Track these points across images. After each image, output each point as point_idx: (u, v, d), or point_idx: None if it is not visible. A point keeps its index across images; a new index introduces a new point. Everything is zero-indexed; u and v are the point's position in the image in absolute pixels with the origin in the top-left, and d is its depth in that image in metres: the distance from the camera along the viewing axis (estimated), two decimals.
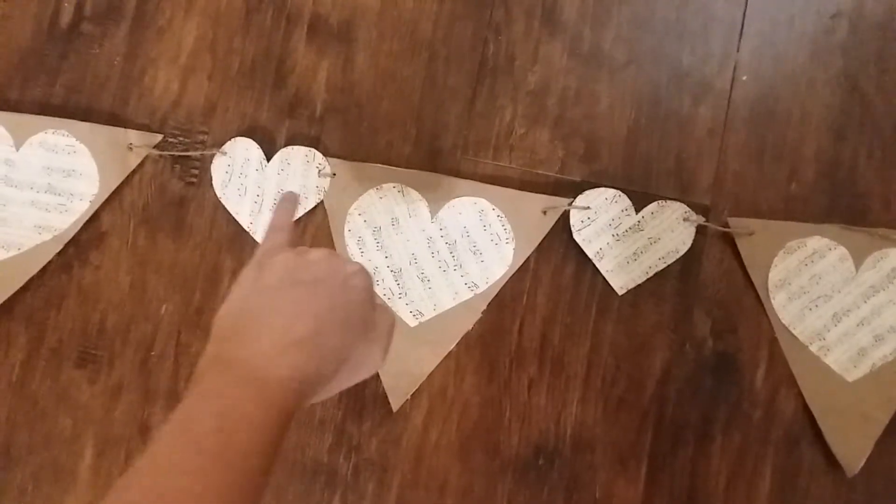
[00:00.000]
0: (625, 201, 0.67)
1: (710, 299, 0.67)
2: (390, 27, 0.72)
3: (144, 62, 0.73)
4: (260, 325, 0.40)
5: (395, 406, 0.67)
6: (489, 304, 0.68)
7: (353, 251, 0.68)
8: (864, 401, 0.64)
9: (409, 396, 0.67)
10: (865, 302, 0.65)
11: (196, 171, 0.71)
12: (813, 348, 0.65)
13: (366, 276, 0.43)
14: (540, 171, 0.70)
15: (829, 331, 0.65)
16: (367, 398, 0.68)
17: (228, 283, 0.70)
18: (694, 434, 0.66)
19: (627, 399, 0.67)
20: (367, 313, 0.43)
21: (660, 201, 0.67)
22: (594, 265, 0.68)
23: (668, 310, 0.67)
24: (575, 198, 0.68)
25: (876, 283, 0.65)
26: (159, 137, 0.71)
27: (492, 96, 0.71)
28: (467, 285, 0.68)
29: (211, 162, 0.70)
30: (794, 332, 0.65)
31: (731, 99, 0.70)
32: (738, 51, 0.70)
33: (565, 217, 0.68)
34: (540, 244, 0.68)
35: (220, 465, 0.36)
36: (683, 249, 0.67)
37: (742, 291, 0.67)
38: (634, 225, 0.67)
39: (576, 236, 0.67)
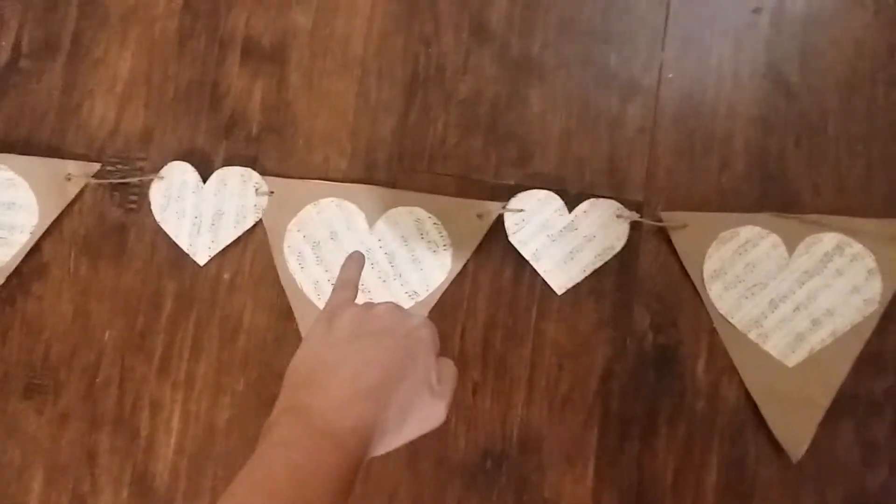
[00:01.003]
0: (557, 201, 0.69)
1: (649, 294, 0.69)
2: (322, 46, 0.74)
3: (81, 94, 0.75)
4: (330, 375, 0.43)
5: None
6: (430, 311, 0.69)
7: (294, 267, 0.70)
8: (805, 386, 0.66)
9: None
10: (801, 287, 0.67)
11: (135, 198, 0.73)
12: (751, 336, 0.67)
13: (430, 329, 0.47)
14: (475, 178, 0.72)
15: (766, 318, 0.67)
16: None
17: (171, 306, 0.72)
18: (639, 428, 0.68)
19: (572, 398, 0.68)
20: (430, 364, 0.46)
21: (592, 199, 0.69)
22: (532, 267, 0.69)
23: (608, 307, 0.69)
24: (509, 201, 0.70)
25: (810, 268, 0.67)
26: (97, 166, 0.73)
27: (424, 107, 0.73)
28: (408, 294, 0.69)
29: (149, 187, 0.72)
30: (731, 320, 0.67)
31: (658, 97, 0.72)
32: (662, 50, 0.73)
33: (501, 221, 0.70)
34: (478, 248, 0.70)
35: None
36: (619, 246, 0.69)
37: (679, 284, 0.69)
38: (568, 224, 0.69)
39: (511, 239, 0.69)
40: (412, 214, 0.71)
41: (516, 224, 0.70)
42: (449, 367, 0.47)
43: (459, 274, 0.71)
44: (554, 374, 0.69)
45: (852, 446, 0.67)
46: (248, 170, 0.72)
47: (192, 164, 0.73)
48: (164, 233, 0.73)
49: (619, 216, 0.70)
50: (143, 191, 0.74)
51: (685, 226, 0.69)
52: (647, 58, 0.74)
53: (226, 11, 0.76)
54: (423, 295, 0.70)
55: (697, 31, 0.74)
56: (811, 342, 0.67)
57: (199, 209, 0.72)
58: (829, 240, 0.68)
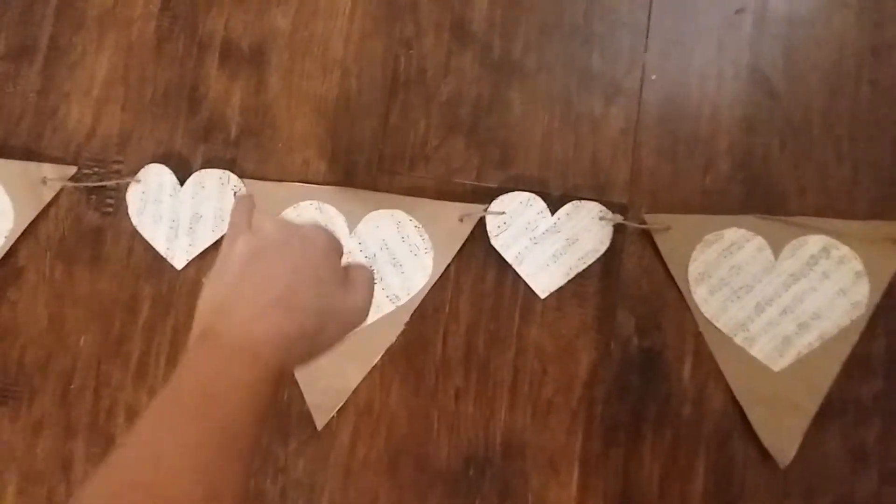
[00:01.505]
0: (539, 204, 0.69)
1: (633, 297, 0.68)
2: (301, 48, 0.74)
3: (58, 97, 0.74)
4: (234, 299, 0.43)
5: (319, 424, 0.67)
6: (412, 315, 0.69)
7: None
8: (792, 390, 0.65)
9: (334, 413, 0.67)
10: (787, 290, 0.66)
11: (112, 201, 0.72)
12: (737, 340, 0.66)
13: (324, 233, 0.47)
14: (457, 180, 0.71)
15: (752, 321, 0.66)
16: (292, 417, 0.68)
17: (147, 311, 0.71)
18: (625, 434, 0.67)
19: (556, 402, 0.67)
20: (334, 265, 0.46)
21: (575, 202, 0.69)
22: (514, 270, 0.68)
23: (592, 310, 0.68)
24: (490, 203, 0.69)
25: (796, 270, 0.67)
26: (74, 169, 0.72)
27: (405, 109, 0.73)
28: (389, 298, 0.69)
29: (126, 191, 0.71)
30: (717, 324, 0.66)
31: (641, 98, 0.72)
32: (645, 51, 0.73)
33: (483, 223, 0.69)
34: (460, 252, 0.70)
35: (205, 428, 0.38)
36: (602, 249, 0.68)
37: (664, 287, 0.69)
38: (551, 227, 0.68)
39: (493, 242, 0.68)
40: (393, 217, 0.70)
41: (498, 227, 0.69)
42: (362, 269, 0.48)
43: (441, 277, 0.70)
44: (537, 379, 0.69)
45: (841, 452, 0.66)
46: (227, 172, 0.72)
47: (170, 168, 0.72)
48: (141, 236, 0.72)
49: (602, 218, 0.69)
50: (119, 194, 0.73)
51: (669, 228, 0.69)
52: (629, 59, 0.73)
53: (204, 13, 0.75)
54: (404, 299, 0.69)
55: (680, 33, 0.73)
56: (798, 346, 0.66)
57: (176, 212, 0.71)
58: (815, 242, 0.68)
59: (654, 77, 0.73)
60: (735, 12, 0.73)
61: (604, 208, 0.69)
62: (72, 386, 0.71)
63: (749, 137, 0.71)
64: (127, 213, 0.72)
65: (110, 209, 0.73)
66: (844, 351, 0.66)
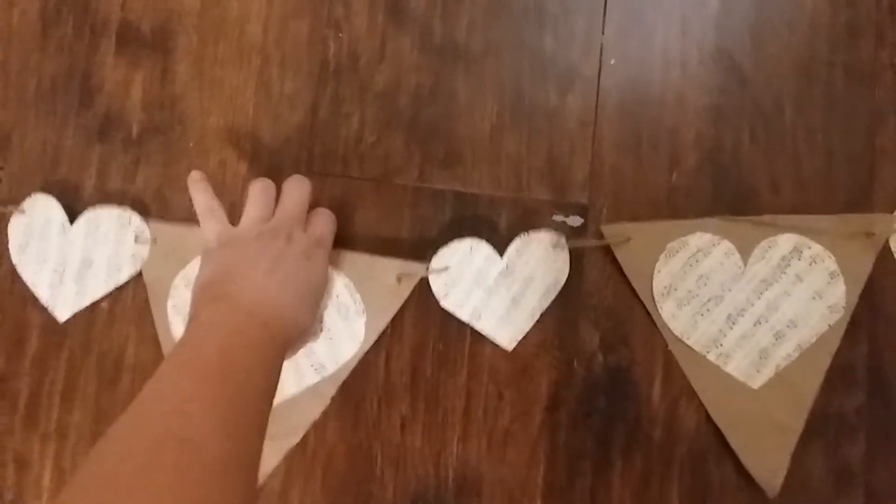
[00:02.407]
0: (485, 248, 0.61)
1: (597, 309, 0.62)
2: (213, 31, 0.64)
3: None
4: (248, 267, 0.48)
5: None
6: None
7: (178, 331, 0.60)
8: (774, 408, 0.60)
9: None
10: (759, 298, 0.60)
11: None
12: (711, 357, 0.60)
13: (322, 251, 0.54)
14: (397, 182, 0.63)
15: (725, 335, 0.60)
16: None
17: (36, 340, 0.61)
18: (591, 462, 0.60)
19: (513, 430, 0.60)
20: (324, 282, 0.54)
21: (522, 235, 0.61)
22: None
23: (552, 325, 0.62)
24: (431, 258, 0.61)
25: (767, 275, 0.61)
26: None
27: (336, 101, 0.64)
28: (313, 367, 0.60)
29: (7, 215, 0.60)
30: (688, 342, 0.60)
31: (600, 86, 0.65)
32: (602, 33, 0.66)
33: (425, 282, 0.61)
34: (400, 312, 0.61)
35: (226, 386, 0.40)
36: (563, 279, 0.61)
37: (631, 297, 0.63)
38: (503, 270, 0.60)
39: (444, 304, 0.60)
40: None
41: (445, 285, 0.61)
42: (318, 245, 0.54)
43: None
44: (493, 405, 0.61)
45: (824, 471, 0.61)
46: (127, 211, 0.61)
47: (61, 176, 0.62)
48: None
49: (555, 246, 0.61)
50: None
51: (629, 239, 0.62)
52: (585, 42, 0.66)
53: None
54: (331, 369, 0.60)
55: (640, 11, 0.66)
56: (776, 358, 0.61)
57: (63, 254, 0.61)
58: (786, 242, 0.62)
59: (613, 62, 0.66)
60: None
61: (555, 233, 0.61)
62: None
63: (717, 128, 0.65)
64: (5, 235, 0.61)
65: None
66: (825, 360, 0.61)
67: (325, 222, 0.56)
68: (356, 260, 0.61)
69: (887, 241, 0.62)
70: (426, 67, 0.65)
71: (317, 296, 0.53)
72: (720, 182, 0.64)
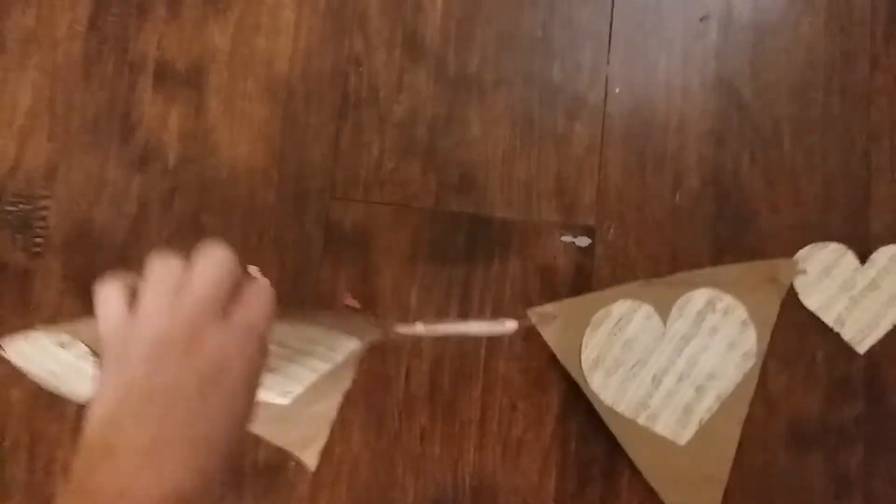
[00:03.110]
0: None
1: None
2: (243, 68, 0.69)
3: None
4: (122, 427, 0.35)
5: (312, 465, 0.63)
6: (370, 351, 0.64)
7: None
8: (701, 461, 0.63)
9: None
10: (680, 355, 0.64)
11: (40, 240, 0.67)
12: (641, 420, 0.63)
13: (251, 345, 0.38)
14: (415, 206, 0.67)
15: (651, 397, 0.64)
16: (245, 469, 0.64)
17: None
18: (601, 470, 0.64)
19: (527, 440, 0.64)
20: (252, 393, 0.38)
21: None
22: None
23: None
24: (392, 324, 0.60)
25: (686, 331, 0.64)
26: None
27: (357, 131, 0.69)
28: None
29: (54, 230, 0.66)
30: (618, 410, 0.63)
31: (605, 113, 0.69)
32: (608, 63, 0.70)
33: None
34: None
35: None
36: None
37: None
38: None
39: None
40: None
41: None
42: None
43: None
44: (507, 416, 0.65)
45: (823, 479, 0.64)
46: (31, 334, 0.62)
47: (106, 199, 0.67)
48: (73, 279, 0.67)
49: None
50: (48, 232, 0.68)
51: (555, 318, 0.65)
52: (592, 72, 0.70)
53: (136, 32, 0.70)
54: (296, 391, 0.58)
55: (643, 42, 0.70)
56: (699, 412, 0.63)
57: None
58: (700, 297, 0.65)
59: (617, 90, 0.70)
60: (699, 20, 0.71)
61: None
62: (4, 443, 0.65)
63: (718, 151, 0.69)
64: (57, 251, 0.67)
65: (39, 249, 0.67)
66: (743, 408, 0.63)
67: (257, 300, 0.39)
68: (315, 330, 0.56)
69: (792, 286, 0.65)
70: (441, 98, 0.70)
71: (240, 420, 0.37)
72: (721, 203, 0.68)
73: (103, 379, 0.37)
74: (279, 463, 0.64)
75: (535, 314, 0.65)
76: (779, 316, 0.65)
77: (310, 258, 0.67)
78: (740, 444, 0.64)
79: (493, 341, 0.66)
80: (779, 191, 0.68)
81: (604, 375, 0.63)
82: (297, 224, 0.68)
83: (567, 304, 0.65)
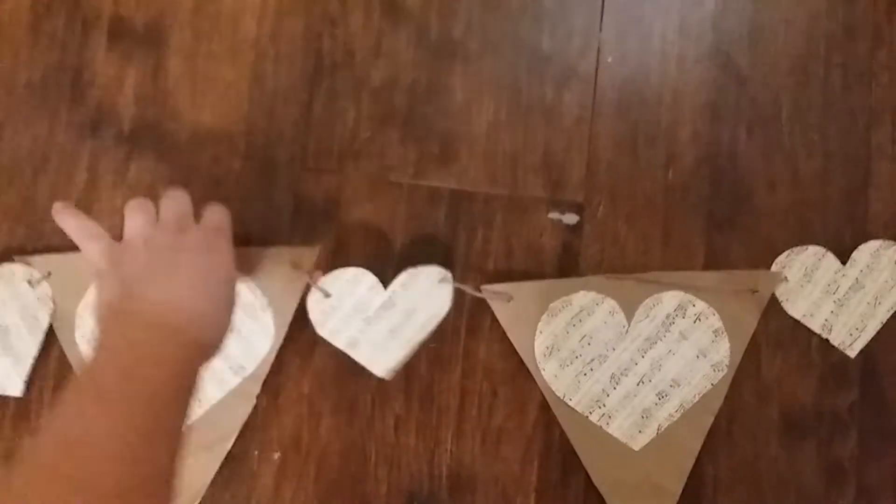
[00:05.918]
0: (370, 278, 0.61)
1: None
2: (207, 26, 0.66)
3: None
4: (145, 284, 0.46)
5: None
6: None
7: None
8: (654, 471, 0.61)
9: (255, 453, 0.60)
10: (643, 357, 0.62)
11: None
12: (593, 418, 0.61)
13: (223, 239, 0.52)
14: (393, 179, 0.64)
15: (608, 395, 0.61)
16: None
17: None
18: None
19: (508, 428, 0.62)
20: (233, 270, 0.51)
21: (410, 269, 0.61)
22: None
23: None
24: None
25: (651, 334, 0.62)
26: None
27: (331, 97, 0.65)
28: (231, 369, 0.61)
29: None
30: (570, 403, 0.61)
31: (597, 83, 0.66)
32: (600, 30, 0.67)
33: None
34: None
35: (130, 409, 0.39)
36: (443, 312, 0.61)
37: None
38: (386, 301, 0.61)
39: (320, 332, 0.61)
40: None
41: (323, 312, 0.61)
42: (216, 232, 0.52)
43: None
44: (487, 403, 0.63)
45: (816, 468, 0.63)
46: (11, 264, 0.61)
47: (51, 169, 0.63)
48: (18, 252, 0.63)
49: (441, 281, 0.61)
50: None
51: (511, 299, 0.62)
52: (583, 39, 0.67)
53: None
54: (250, 368, 0.61)
55: (637, 9, 0.68)
56: (658, 419, 0.61)
57: None
58: (670, 300, 0.63)
59: (610, 59, 0.67)
60: None
61: (443, 270, 0.61)
62: None
63: (714, 126, 0.67)
64: None
65: None
66: (707, 419, 0.61)
67: (217, 211, 0.53)
68: (246, 254, 0.59)
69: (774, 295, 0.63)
70: (422, 64, 0.67)
71: (230, 285, 0.50)
72: (716, 180, 0.66)
73: (106, 276, 0.48)
74: (241, 453, 0.61)
75: (488, 292, 0.62)
76: (761, 326, 0.63)
77: (278, 233, 0.64)
78: (731, 433, 0.62)
79: (473, 324, 0.63)
80: (776, 168, 0.66)
81: (557, 366, 0.61)
82: (264, 197, 0.64)
83: (524, 286, 0.62)
